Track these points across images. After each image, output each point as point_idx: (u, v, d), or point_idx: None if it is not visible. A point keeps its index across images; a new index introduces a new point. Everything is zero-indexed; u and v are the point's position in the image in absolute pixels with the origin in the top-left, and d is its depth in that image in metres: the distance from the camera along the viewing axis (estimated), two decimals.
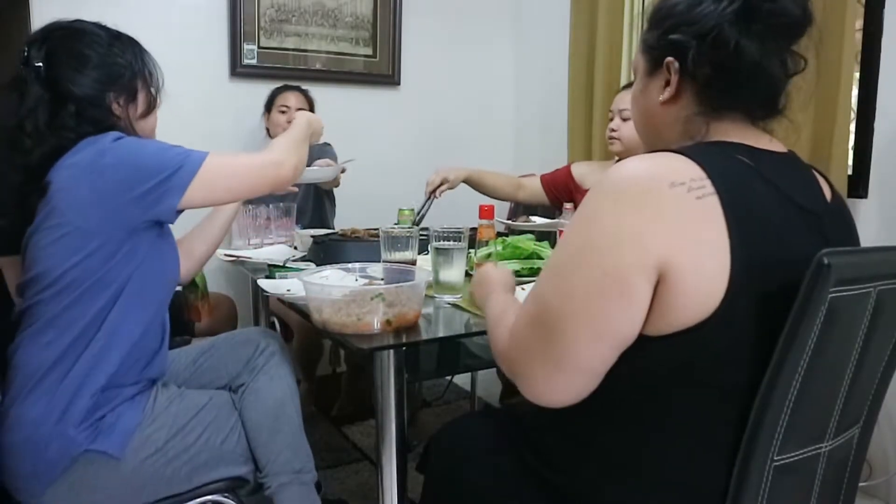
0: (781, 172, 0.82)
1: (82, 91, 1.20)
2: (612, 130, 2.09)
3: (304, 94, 2.72)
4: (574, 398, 0.81)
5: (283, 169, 1.29)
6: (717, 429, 0.79)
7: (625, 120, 2.05)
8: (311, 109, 2.73)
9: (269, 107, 2.72)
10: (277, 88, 2.72)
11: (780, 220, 0.78)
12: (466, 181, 2.32)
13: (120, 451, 1.15)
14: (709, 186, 0.74)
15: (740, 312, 0.74)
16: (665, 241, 0.72)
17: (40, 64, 1.18)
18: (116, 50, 1.25)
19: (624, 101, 2.06)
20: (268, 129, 2.76)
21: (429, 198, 2.24)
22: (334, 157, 2.76)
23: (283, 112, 2.66)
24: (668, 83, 0.88)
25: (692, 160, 0.76)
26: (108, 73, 1.23)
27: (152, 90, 1.32)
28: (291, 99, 2.66)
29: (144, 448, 1.18)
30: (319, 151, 2.78)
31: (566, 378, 0.80)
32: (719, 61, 0.83)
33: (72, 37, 1.22)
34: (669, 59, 0.86)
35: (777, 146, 0.87)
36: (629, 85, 2.06)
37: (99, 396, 1.16)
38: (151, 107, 1.32)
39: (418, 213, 2.18)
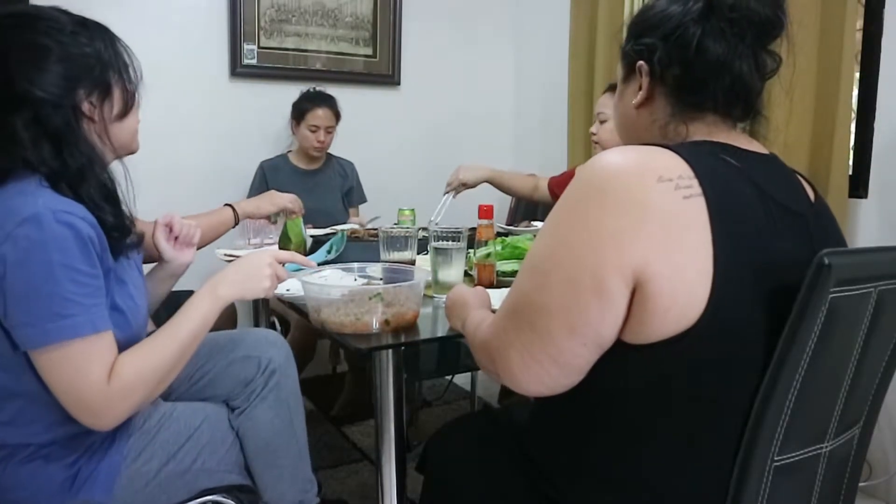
0: (766, 174, 0.81)
1: (44, 90, 0.99)
2: (593, 134, 2.16)
3: (332, 107, 2.70)
4: (550, 390, 0.81)
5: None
6: (710, 436, 0.78)
7: (602, 122, 2.12)
8: (337, 121, 2.73)
9: (297, 117, 2.70)
10: (307, 101, 2.68)
11: (766, 223, 0.77)
12: (487, 181, 2.39)
13: (107, 495, 1.07)
14: (696, 186, 0.73)
15: (726, 321, 0.73)
16: (646, 247, 0.71)
17: None
18: (83, 38, 1.04)
19: (601, 104, 2.14)
20: (294, 134, 2.77)
21: (446, 196, 2.33)
22: (357, 177, 2.88)
23: (312, 131, 2.67)
24: (640, 87, 0.89)
25: (680, 157, 0.75)
26: (74, 65, 1.02)
27: (129, 85, 1.11)
28: (321, 116, 2.66)
29: (136, 481, 1.10)
30: (349, 168, 2.88)
31: (542, 368, 0.79)
32: (684, 60, 0.84)
33: (26, 25, 1.01)
34: (640, 62, 0.88)
35: (758, 147, 0.87)
36: (610, 88, 2.11)
37: (64, 450, 1.06)
38: (129, 105, 1.12)
39: (437, 213, 2.25)
